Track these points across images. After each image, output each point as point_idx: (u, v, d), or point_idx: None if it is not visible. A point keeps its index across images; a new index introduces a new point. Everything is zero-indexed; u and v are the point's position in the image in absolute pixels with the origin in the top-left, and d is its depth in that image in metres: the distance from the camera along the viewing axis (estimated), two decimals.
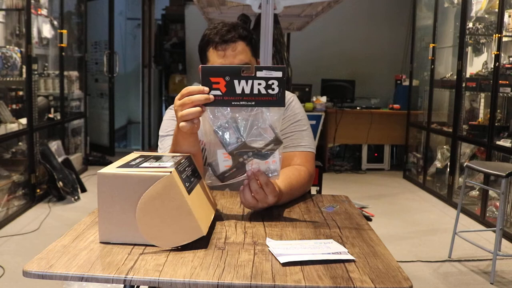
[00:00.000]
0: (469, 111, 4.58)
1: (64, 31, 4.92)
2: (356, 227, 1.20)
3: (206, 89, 1.13)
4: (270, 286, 0.86)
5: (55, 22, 4.88)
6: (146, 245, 1.02)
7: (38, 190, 4.20)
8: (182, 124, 1.17)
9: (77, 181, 4.55)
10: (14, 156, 4.11)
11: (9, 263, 2.91)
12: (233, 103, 1.13)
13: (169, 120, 1.62)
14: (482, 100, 4.45)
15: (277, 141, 1.15)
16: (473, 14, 4.38)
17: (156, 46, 7.71)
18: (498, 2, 3.84)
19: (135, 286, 1.02)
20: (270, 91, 1.12)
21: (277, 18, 3.21)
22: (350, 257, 0.98)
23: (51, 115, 4.72)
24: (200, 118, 1.18)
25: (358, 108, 6.17)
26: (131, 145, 7.98)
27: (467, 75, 4.50)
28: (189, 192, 1.04)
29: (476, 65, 4.57)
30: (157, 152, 1.35)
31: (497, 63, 3.79)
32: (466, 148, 4.59)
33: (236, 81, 1.12)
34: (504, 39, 3.85)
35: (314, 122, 5.35)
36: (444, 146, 5.07)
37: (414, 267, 3.08)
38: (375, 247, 1.06)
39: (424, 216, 4.28)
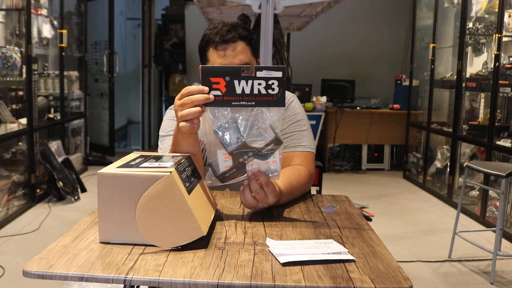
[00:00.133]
0: (469, 111, 4.58)
1: (64, 31, 4.92)
2: (356, 227, 1.20)
3: (206, 89, 1.13)
4: (270, 286, 0.86)
5: (55, 22, 4.88)
6: (146, 245, 1.02)
7: (38, 190, 4.20)
8: (182, 124, 1.17)
9: (77, 181, 4.55)
10: (14, 156, 4.11)
11: (9, 263, 2.91)
12: (233, 103, 1.13)
13: (169, 120, 1.62)
14: (482, 100, 4.45)
15: (277, 141, 1.15)
16: (473, 14, 4.38)
17: (156, 46, 7.71)
18: (498, 2, 3.84)
19: (135, 286, 1.02)
20: (270, 91, 1.12)
21: (277, 18, 3.21)
22: (350, 257, 0.98)
23: (51, 115, 4.72)
24: (200, 118, 1.18)
25: (358, 108, 6.17)
26: (131, 145, 7.98)
27: (467, 75, 4.50)
28: (189, 192, 1.04)
29: (476, 65, 4.57)
30: (157, 152, 1.35)
31: (497, 63, 3.79)
32: (466, 148, 4.59)
33: (236, 81, 1.12)
34: (504, 39, 3.85)
35: (314, 122, 5.35)
36: (444, 146, 5.07)
37: (414, 267, 3.08)
38: (375, 247, 1.06)
39: (424, 216, 4.28)
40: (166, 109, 1.69)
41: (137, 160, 1.11)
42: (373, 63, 6.94)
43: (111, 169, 1.03)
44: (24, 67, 3.91)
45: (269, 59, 2.69)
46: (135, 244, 1.02)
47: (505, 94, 3.81)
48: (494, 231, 3.09)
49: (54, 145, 4.64)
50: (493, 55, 3.83)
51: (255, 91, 1.12)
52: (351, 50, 6.92)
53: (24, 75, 3.92)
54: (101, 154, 6.29)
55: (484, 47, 4.51)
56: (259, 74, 1.12)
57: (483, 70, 4.31)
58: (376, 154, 6.31)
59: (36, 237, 3.41)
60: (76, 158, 5.31)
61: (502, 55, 3.83)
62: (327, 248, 1.01)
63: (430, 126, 5.22)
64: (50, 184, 4.28)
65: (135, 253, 0.98)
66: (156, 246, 1.01)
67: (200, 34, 1.58)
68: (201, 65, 1.22)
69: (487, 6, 4.18)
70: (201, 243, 1.03)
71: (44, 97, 4.65)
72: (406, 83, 6.10)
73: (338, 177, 5.85)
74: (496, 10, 3.91)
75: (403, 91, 6.12)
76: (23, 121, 3.97)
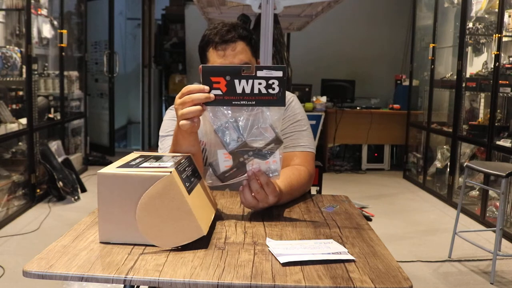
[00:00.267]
0: (469, 111, 4.58)
1: (64, 31, 4.92)
2: (356, 227, 1.20)
3: (207, 88, 1.14)
4: (270, 286, 0.86)
5: (55, 22, 4.88)
6: (146, 245, 1.02)
7: (38, 190, 4.20)
8: (182, 122, 1.17)
9: (77, 181, 4.55)
10: (14, 156, 4.11)
11: (9, 263, 2.91)
12: (233, 102, 1.13)
13: (169, 121, 1.62)
14: (482, 100, 4.45)
15: (277, 141, 1.15)
16: (473, 14, 4.38)
17: (156, 46, 7.71)
18: (498, 2, 3.84)
19: (135, 286, 1.02)
20: (270, 90, 1.12)
21: (277, 18, 3.21)
22: (350, 257, 0.98)
23: (51, 115, 4.72)
24: (201, 118, 1.18)
25: (358, 108, 6.17)
26: (131, 145, 7.98)
27: (467, 75, 4.50)
28: (189, 192, 1.04)
29: (476, 65, 4.57)
30: (157, 152, 1.35)
31: (497, 63, 3.79)
32: (466, 148, 4.59)
33: (236, 81, 1.12)
34: (504, 39, 3.85)
35: (314, 122, 5.35)
36: (444, 146, 5.07)
37: (414, 267, 3.08)
38: (375, 247, 1.06)
39: (424, 216, 4.28)
40: (166, 109, 1.70)
41: (137, 160, 1.11)
42: (373, 63, 6.94)
43: (111, 169, 1.03)
44: (24, 67, 3.91)
45: (269, 59, 2.69)
46: (135, 244, 1.02)
47: (505, 94, 3.81)
48: (494, 231, 3.09)
49: (54, 145, 4.64)
50: (493, 55, 3.83)
51: (256, 91, 1.12)
52: (351, 50, 6.92)
53: (24, 75, 3.92)
54: (101, 154, 6.29)
55: (484, 47, 4.51)
56: (259, 73, 1.12)
57: (483, 70, 4.31)
58: (376, 154, 6.31)
59: (36, 237, 3.41)
60: (76, 158, 5.31)
61: (502, 55, 3.83)
62: (327, 248, 1.01)
63: (430, 126, 5.22)
64: (50, 184, 4.28)
65: (135, 253, 0.98)
66: (156, 246, 1.01)
67: (200, 34, 1.58)
68: (201, 65, 1.22)
69: (487, 6, 4.18)
70: (201, 243, 1.03)
71: (44, 97, 4.65)
72: (406, 83, 6.10)
73: (338, 177, 5.85)
74: (496, 10, 3.91)
75: (403, 91, 6.12)
76: (23, 121, 3.97)
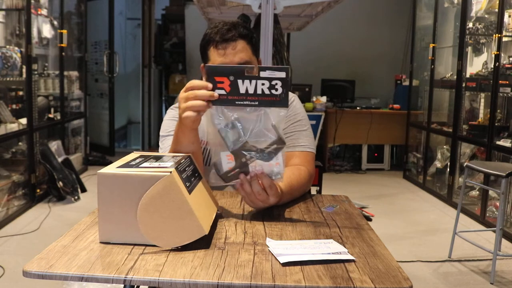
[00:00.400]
0: (469, 111, 4.58)
1: (64, 31, 4.92)
2: (356, 227, 1.20)
3: (210, 85, 1.15)
4: (270, 286, 0.86)
5: (55, 22, 4.88)
6: (146, 245, 1.02)
7: (38, 190, 4.20)
8: (185, 114, 1.18)
9: (77, 181, 4.55)
10: (14, 156, 4.11)
11: (9, 263, 2.91)
12: (237, 102, 1.14)
13: (170, 121, 1.62)
14: (482, 100, 4.45)
15: (280, 142, 1.16)
16: (473, 14, 4.38)
17: (156, 46, 7.71)
18: (498, 2, 3.84)
19: (135, 286, 1.02)
20: (273, 91, 1.12)
21: (277, 18, 3.21)
22: (350, 257, 0.98)
23: (51, 115, 4.72)
24: (203, 117, 1.19)
25: (358, 108, 6.17)
26: (131, 145, 7.98)
27: (467, 75, 4.50)
28: (189, 191, 1.04)
29: (476, 65, 4.57)
30: (157, 152, 1.35)
31: (497, 63, 3.79)
32: (466, 148, 4.59)
33: (240, 81, 1.13)
34: (504, 39, 3.85)
35: (314, 122, 5.35)
36: (444, 146, 5.07)
37: (414, 267, 3.08)
38: (375, 247, 1.06)
39: (424, 216, 4.28)
40: (166, 109, 1.70)
41: (137, 160, 1.11)
42: (373, 63, 6.94)
43: (111, 169, 1.03)
44: (24, 67, 3.91)
45: (269, 59, 2.69)
46: (135, 244, 1.02)
47: (505, 94, 3.81)
48: (494, 231, 3.09)
49: (54, 145, 4.64)
50: (493, 55, 3.83)
51: (259, 91, 1.13)
52: (351, 50, 6.92)
53: (24, 75, 3.92)
54: (101, 154, 6.29)
55: (484, 47, 4.51)
56: (262, 74, 1.12)
57: (483, 70, 4.31)
58: (376, 154, 6.31)
59: (36, 237, 3.41)
60: (76, 158, 5.31)
61: (502, 55, 3.83)
62: (327, 248, 1.01)
63: (430, 126, 5.22)
64: (50, 184, 4.28)
65: (135, 253, 0.98)
66: (156, 246, 1.01)
67: (200, 34, 1.58)
68: (205, 64, 1.23)
69: (487, 6, 4.17)
70: (201, 243, 1.03)
71: (44, 97, 4.65)
72: (406, 83, 6.10)
73: (338, 177, 5.85)
74: (496, 10, 3.91)
75: (403, 91, 6.11)
76: (23, 121, 3.97)
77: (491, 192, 3.86)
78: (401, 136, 6.06)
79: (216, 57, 1.50)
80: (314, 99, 5.91)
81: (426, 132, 5.35)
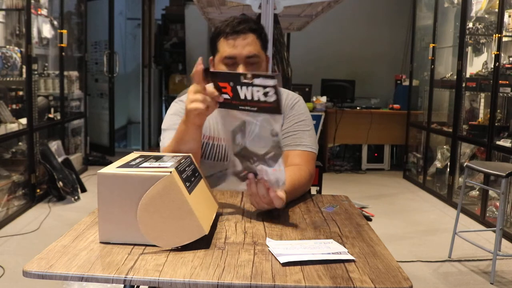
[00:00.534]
0: (469, 111, 4.58)
1: (64, 31, 4.92)
2: (356, 227, 1.20)
3: (216, 93, 1.19)
4: (270, 286, 0.86)
5: (55, 22, 4.88)
6: (146, 245, 1.02)
7: (38, 190, 4.20)
8: (193, 105, 1.20)
9: (77, 181, 4.55)
10: (14, 156, 4.11)
11: (9, 263, 2.91)
12: (240, 107, 1.16)
13: (173, 115, 1.61)
14: (482, 100, 4.45)
15: (277, 149, 1.16)
16: (473, 14, 4.38)
17: (156, 46, 7.71)
18: (498, 2, 3.84)
19: (135, 286, 1.03)
20: (267, 98, 1.13)
21: (277, 18, 3.21)
22: (350, 257, 0.98)
23: (51, 115, 4.72)
24: (217, 116, 1.23)
25: (358, 108, 6.17)
26: (131, 145, 7.98)
27: (467, 75, 4.50)
28: (189, 191, 1.04)
29: (476, 65, 4.57)
30: (157, 152, 1.35)
31: (497, 63, 3.79)
32: (466, 148, 4.59)
33: (239, 87, 1.15)
34: (504, 39, 3.85)
35: (314, 122, 5.33)
36: (444, 146, 5.07)
37: (414, 267, 3.08)
38: (375, 247, 1.06)
39: (424, 216, 4.28)
40: (166, 109, 1.71)
41: (137, 160, 1.11)
42: (373, 63, 6.94)
43: (111, 169, 1.04)
44: (24, 67, 3.91)
45: (269, 59, 2.69)
46: (135, 244, 1.02)
47: (505, 94, 3.81)
48: (494, 231, 3.09)
49: (54, 145, 4.64)
50: (493, 55, 3.83)
51: (255, 98, 1.14)
52: (351, 50, 6.91)
53: (24, 75, 3.92)
54: (101, 154, 6.29)
55: (484, 47, 4.51)
56: (256, 81, 1.13)
57: (483, 70, 4.31)
58: (376, 154, 6.31)
59: (36, 237, 3.41)
60: (76, 158, 5.31)
61: (502, 55, 3.83)
62: (327, 248, 1.02)
63: (430, 126, 5.22)
64: (50, 184, 4.28)
65: (135, 253, 0.98)
66: (156, 246, 1.01)
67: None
68: (210, 70, 1.26)
69: (487, 6, 4.17)
70: (201, 243, 1.03)
71: (44, 97, 4.64)
72: (406, 83, 6.10)
73: (338, 177, 5.85)
74: (496, 10, 3.91)
75: (403, 91, 6.11)
76: (23, 121, 3.97)
77: (491, 192, 3.86)
78: (401, 136, 6.06)
79: (226, 48, 1.51)
80: (314, 99, 5.91)
81: (426, 132, 5.35)
